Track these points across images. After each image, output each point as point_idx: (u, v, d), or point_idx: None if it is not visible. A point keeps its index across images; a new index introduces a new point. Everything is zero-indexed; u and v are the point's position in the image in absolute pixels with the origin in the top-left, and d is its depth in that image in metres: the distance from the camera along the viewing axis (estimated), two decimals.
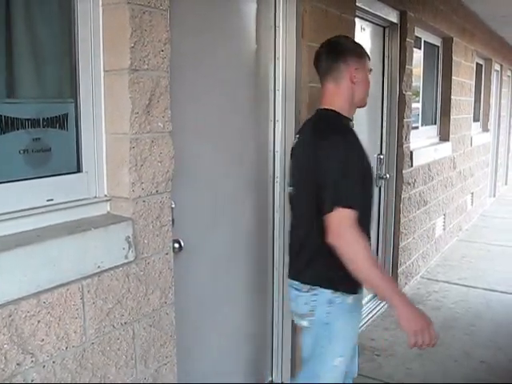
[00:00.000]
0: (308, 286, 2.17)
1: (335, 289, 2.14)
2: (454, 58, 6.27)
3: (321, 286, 2.15)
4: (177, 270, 2.21)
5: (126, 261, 1.92)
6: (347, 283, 2.10)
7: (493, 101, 9.37)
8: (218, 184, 2.69)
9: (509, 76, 11.30)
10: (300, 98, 3.06)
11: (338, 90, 2.24)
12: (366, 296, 4.66)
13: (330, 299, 2.14)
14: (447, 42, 6.21)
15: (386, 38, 4.59)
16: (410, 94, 4.84)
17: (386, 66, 4.60)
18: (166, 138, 2.03)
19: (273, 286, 3.19)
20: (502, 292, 4.95)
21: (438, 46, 6.16)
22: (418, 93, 5.66)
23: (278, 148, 3.09)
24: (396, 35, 4.60)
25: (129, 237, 1.91)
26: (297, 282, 2.23)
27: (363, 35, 4.17)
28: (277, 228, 3.15)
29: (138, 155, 1.93)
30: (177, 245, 2.29)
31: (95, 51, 1.90)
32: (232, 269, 2.86)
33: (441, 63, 6.26)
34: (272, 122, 3.06)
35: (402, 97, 4.66)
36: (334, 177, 2.05)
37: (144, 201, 1.97)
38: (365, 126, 4.26)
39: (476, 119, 8.39)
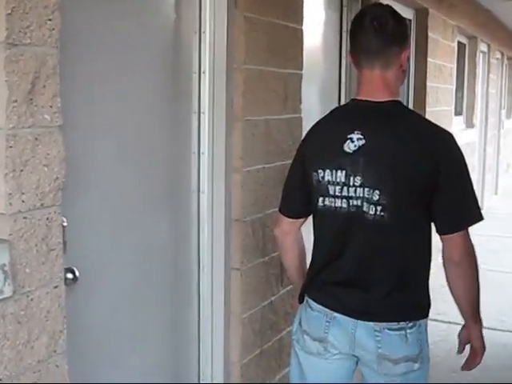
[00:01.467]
0: (414, 322, 2.29)
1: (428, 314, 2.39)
2: (429, 34, 6.38)
3: (425, 317, 2.36)
4: (70, 308, 2.16)
5: (1, 297, 1.86)
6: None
7: (479, 89, 9.61)
8: (124, 195, 2.66)
9: (498, 59, 11.62)
10: (233, 84, 3.07)
11: (386, 76, 2.29)
12: None
13: (425, 325, 2.35)
14: (421, 15, 6.31)
15: (345, 8, 4.64)
16: None
17: (345, 42, 4.60)
18: (54, 135, 1.99)
19: (199, 329, 3.18)
20: (489, 328, 5.03)
21: (409, 20, 6.23)
22: None
23: (204, 149, 3.08)
24: (356, 4, 4.65)
25: (4, 265, 1.86)
26: (394, 323, 2.26)
27: (315, 4, 4.21)
28: (203, 247, 3.13)
29: (17, 157, 1.88)
30: (70, 275, 2.26)
31: None
32: (142, 306, 2.83)
33: (414, 41, 6.34)
34: (196, 115, 3.05)
35: None
36: (464, 189, 2.26)
37: (25, 217, 1.93)
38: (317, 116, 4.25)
39: (458, 112, 8.58)
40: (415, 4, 6.10)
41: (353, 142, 2.24)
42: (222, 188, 3.12)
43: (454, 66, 7.68)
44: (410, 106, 6.33)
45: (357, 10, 4.62)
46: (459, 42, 8.15)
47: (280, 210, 2.56)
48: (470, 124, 9.18)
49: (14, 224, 1.90)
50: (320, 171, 2.30)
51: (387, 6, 2.43)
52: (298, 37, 3.54)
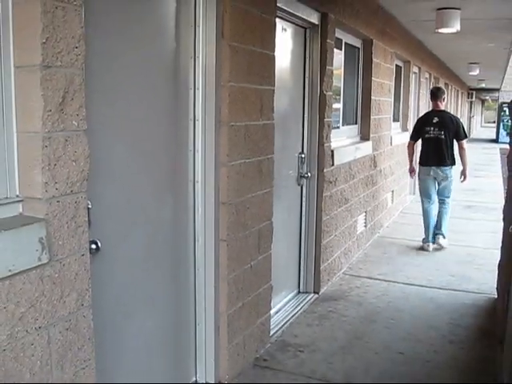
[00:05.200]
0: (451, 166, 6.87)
1: None
2: (373, 59, 6.40)
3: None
4: (94, 272, 2.18)
5: (39, 263, 1.87)
6: None
7: (411, 101, 9.67)
8: (136, 184, 2.67)
9: (426, 78, 11.70)
10: (220, 97, 3.07)
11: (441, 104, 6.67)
12: (290, 294, 4.75)
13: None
14: (367, 44, 6.33)
15: (307, 39, 4.64)
16: (331, 94, 4.88)
17: (307, 67, 4.65)
18: (80, 137, 1.99)
19: (195, 287, 3.19)
20: (419, 286, 5.13)
21: (358, 48, 6.27)
22: (339, 93, 5.69)
23: (198, 147, 3.07)
24: (317, 36, 4.65)
25: (42, 238, 1.86)
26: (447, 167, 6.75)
27: (284, 36, 4.21)
28: (198, 224, 3.13)
29: (51, 154, 1.88)
30: (94, 246, 2.27)
31: (5, 46, 1.83)
32: (151, 270, 2.83)
33: (361, 64, 6.37)
34: (192, 121, 3.05)
35: (322, 97, 4.70)
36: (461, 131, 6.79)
37: (58, 201, 1.93)
38: (286, 125, 4.30)
39: (396, 119, 8.60)
40: (363, 35, 6.10)
41: (434, 119, 6.34)
42: (212, 178, 3.12)
43: (393, 83, 7.70)
44: (358, 115, 6.45)
45: (317, 41, 4.66)
46: (397, 65, 8.14)
47: (410, 138, 6.70)
48: (404, 128, 9.21)
49: (49, 206, 1.90)
50: (425, 127, 6.37)
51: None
52: (271, 61, 3.54)
